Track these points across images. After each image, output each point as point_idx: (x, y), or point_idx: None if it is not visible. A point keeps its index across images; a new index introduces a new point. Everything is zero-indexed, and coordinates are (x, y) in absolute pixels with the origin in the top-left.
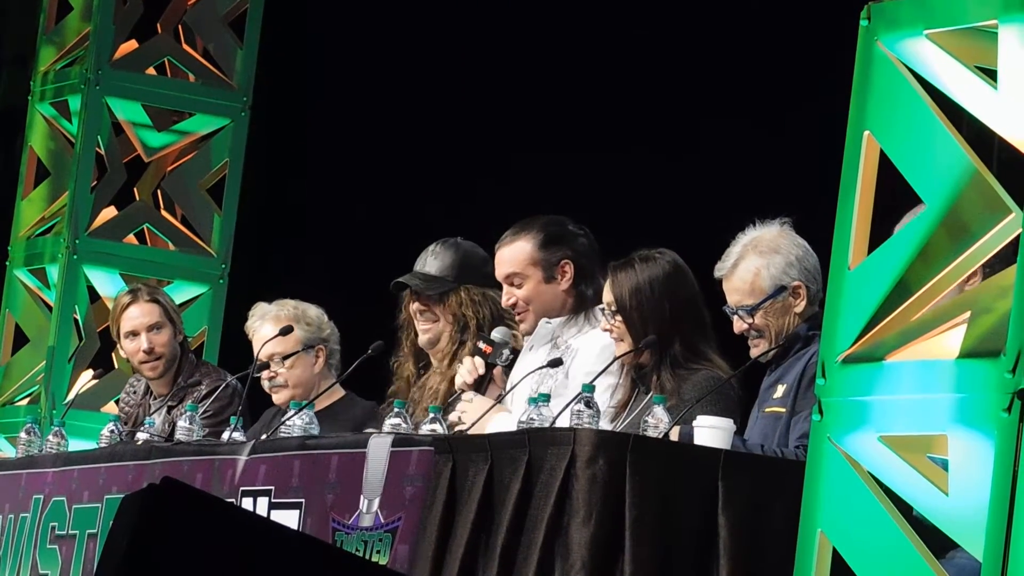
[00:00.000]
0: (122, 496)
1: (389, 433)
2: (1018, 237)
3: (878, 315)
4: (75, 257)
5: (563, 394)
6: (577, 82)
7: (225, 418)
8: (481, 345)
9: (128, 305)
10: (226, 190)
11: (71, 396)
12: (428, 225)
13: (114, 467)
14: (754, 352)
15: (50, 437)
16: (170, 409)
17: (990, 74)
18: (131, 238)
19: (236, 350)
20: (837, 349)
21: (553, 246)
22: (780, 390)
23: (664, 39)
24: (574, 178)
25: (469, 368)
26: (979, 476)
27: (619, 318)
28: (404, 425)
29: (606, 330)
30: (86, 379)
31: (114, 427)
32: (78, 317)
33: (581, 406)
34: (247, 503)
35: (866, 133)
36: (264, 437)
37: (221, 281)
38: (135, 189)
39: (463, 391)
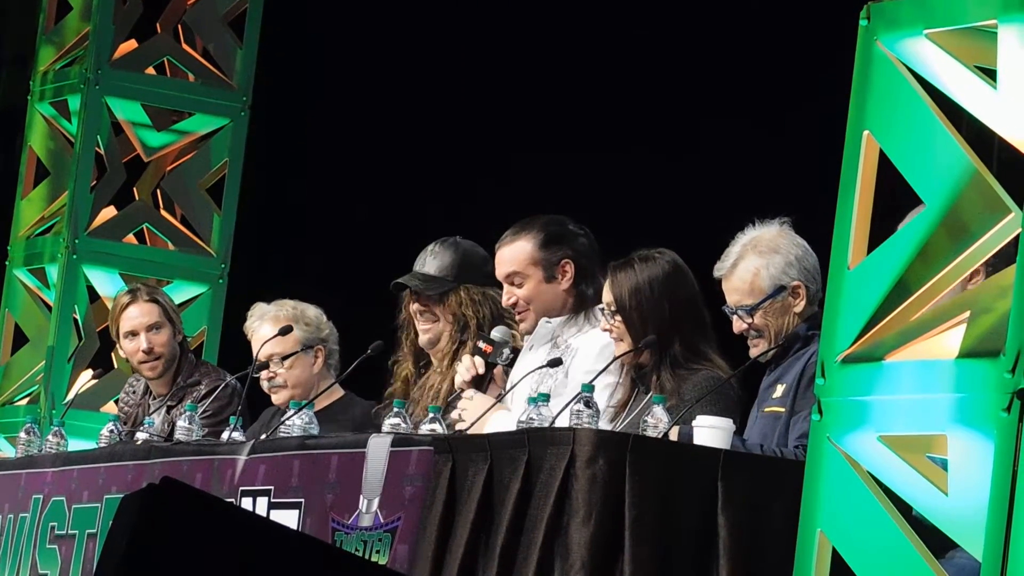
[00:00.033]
0: (121, 496)
1: (389, 433)
2: (1018, 237)
3: (878, 315)
4: (75, 257)
5: (563, 394)
6: (577, 82)
7: (224, 418)
8: (481, 345)
9: (127, 305)
10: (226, 190)
11: (70, 396)
12: (428, 225)
13: (114, 467)
14: (753, 352)
15: (49, 437)
16: (169, 409)
17: (990, 74)
18: (131, 238)
19: (235, 350)
20: (836, 349)
21: (554, 246)
22: (779, 390)
23: (664, 39)
24: (574, 178)
25: (468, 366)
26: (979, 476)
27: (619, 318)
28: (403, 425)
29: (606, 330)
30: (85, 379)
31: (113, 427)
32: (78, 317)
33: (580, 406)
34: (247, 503)
35: (866, 133)
36: (264, 437)
37: (221, 281)
38: (135, 189)
39: (463, 390)
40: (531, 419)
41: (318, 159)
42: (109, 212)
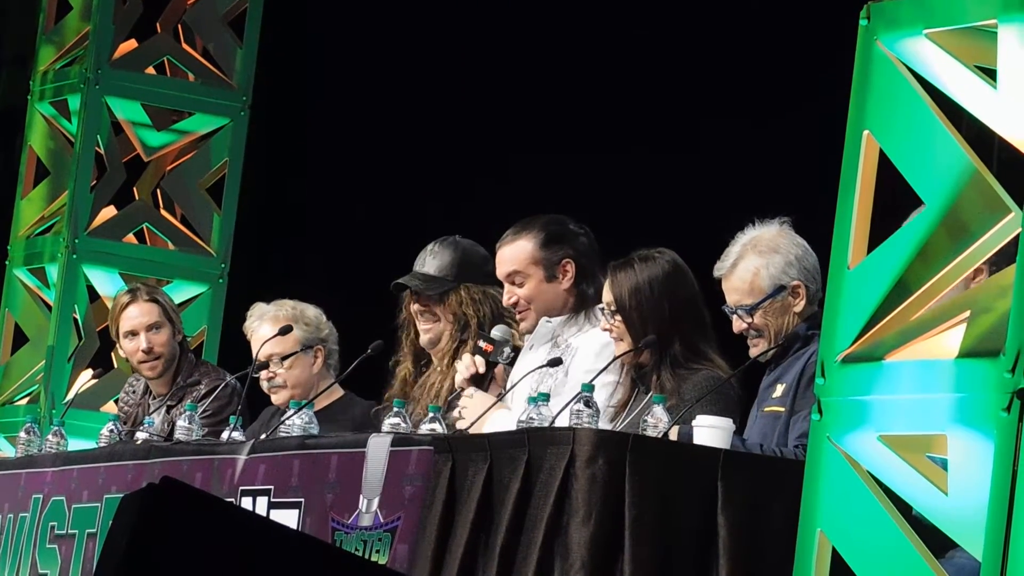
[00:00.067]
0: (121, 496)
1: (388, 433)
2: (1018, 236)
3: (877, 315)
4: (74, 256)
5: (563, 393)
6: (577, 82)
7: (224, 417)
8: (482, 344)
9: (127, 305)
10: (225, 190)
11: (70, 396)
12: (428, 225)
13: (113, 467)
14: (753, 352)
15: (49, 437)
16: (169, 409)
17: (990, 74)
18: (131, 237)
19: (235, 350)
20: (836, 348)
21: (554, 245)
22: (779, 389)
23: (664, 39)
24: (574, 178)
25: (467, 364)
26: (978, 476)
27: (619, 318)
28: (403, 425)
29: (606, 329)
30: (85, 379)
31: (113, 427)
32: (77, 316)
33: (580, 405)
34: (246, 503)
35: (866, 133)
36: (263, 437)
37: (220, 281)
38: (135, 188)
39: (463, 388)
40: (531, 419)
41: (318, 159)
42: (109, 212)
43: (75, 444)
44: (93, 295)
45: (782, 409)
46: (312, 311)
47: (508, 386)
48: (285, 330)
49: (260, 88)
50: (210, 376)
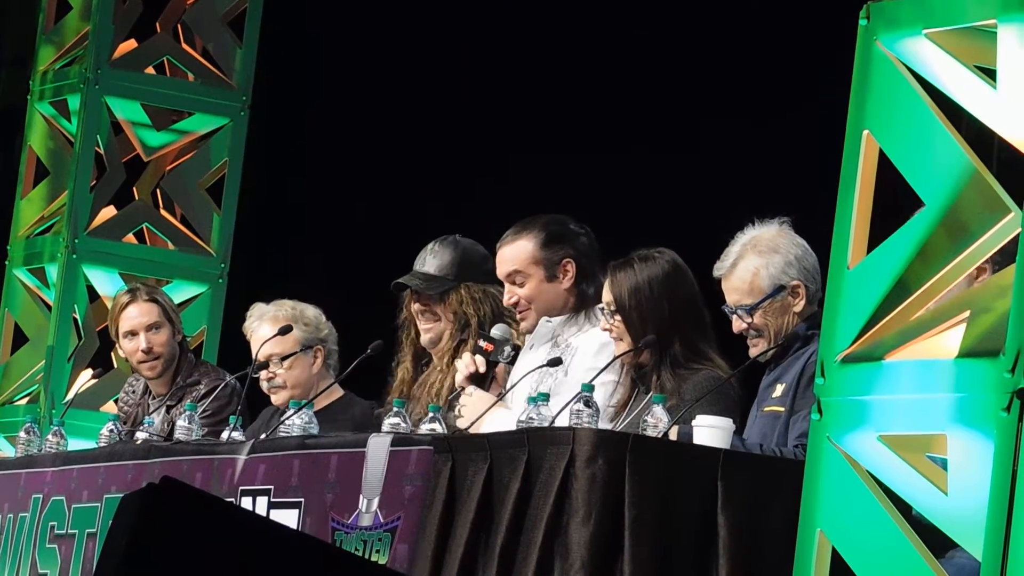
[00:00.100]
0: (121, 495)
1: (388, 432)
2: (1017, 236)
3: (877, 314)
4: (74, 256)
5: (562, 393)
6: (577, 82)
7: (224, 417)
8: (482, 343)
9: (127, 305)
10: (225, 189)
11: (70, 395)
12: (428, 225)
13: (113, 466)
14: (753, 351)
15: (49, 436)
16: (169, 408)
17: (989, 74)
18: (130, 237)
19: (235, 350)
20: (836, 348)
21: (555, 245)
22: (779, 389)
23: (664, 39)
24: (574, 178)
25: (467, 363)
26: (978, 476)
27: (618, 318)
28: (403, 424)
29: (605, 329)
30: (85, 378)
31: (113, 426)
32: (77, 316)
33: (580, 405)
34: (246, 502)
35: (865, 132)
36: (263, 437)
37: (220, 281)
38: (134, 188)
39: (463, 387)
40: (531, 418)
41: (318, 159)
42: (109, 212)
43: (75, 444)
44: (93, 295)
45: (782, 409)
46: (312, 311)
47: (508, 386)
48: (285, 330)
49: (260, 88)
50: (210, 376)
